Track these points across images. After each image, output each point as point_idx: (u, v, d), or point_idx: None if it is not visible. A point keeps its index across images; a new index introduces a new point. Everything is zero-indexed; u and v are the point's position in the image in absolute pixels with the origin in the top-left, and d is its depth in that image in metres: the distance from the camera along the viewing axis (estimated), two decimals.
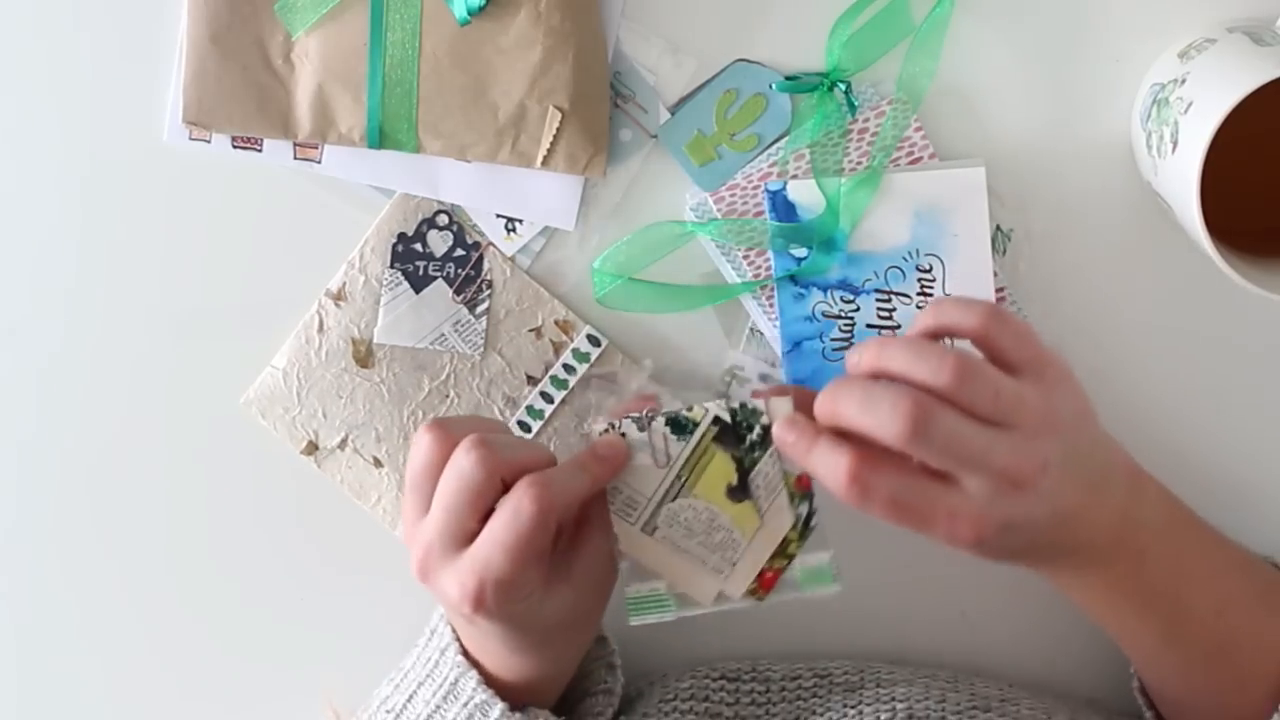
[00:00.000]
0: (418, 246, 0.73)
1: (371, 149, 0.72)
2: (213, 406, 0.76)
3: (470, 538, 0.62)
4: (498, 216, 0.74)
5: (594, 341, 0.74)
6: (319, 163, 0.74)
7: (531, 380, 0.75)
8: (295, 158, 0.74)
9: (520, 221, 0.74)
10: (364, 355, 0.74)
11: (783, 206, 0.73)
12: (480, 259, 0.73)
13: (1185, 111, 0.66)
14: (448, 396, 0.74)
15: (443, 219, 0.71)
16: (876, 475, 0.59)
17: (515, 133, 0.72)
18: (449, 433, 0.63)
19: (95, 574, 0.78)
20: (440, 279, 0.72)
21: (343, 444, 0.75)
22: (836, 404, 0.60)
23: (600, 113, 0.73)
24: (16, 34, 0.74)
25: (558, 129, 0.72)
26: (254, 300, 0.75)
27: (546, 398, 0.75)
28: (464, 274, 0.70)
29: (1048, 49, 0.73)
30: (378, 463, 0.75)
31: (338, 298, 0.72)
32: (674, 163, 0.74)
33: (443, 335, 0.73)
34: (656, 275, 0.74)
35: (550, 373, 0.75)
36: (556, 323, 0.74)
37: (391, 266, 0.73)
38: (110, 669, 0.79)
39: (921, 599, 0.77)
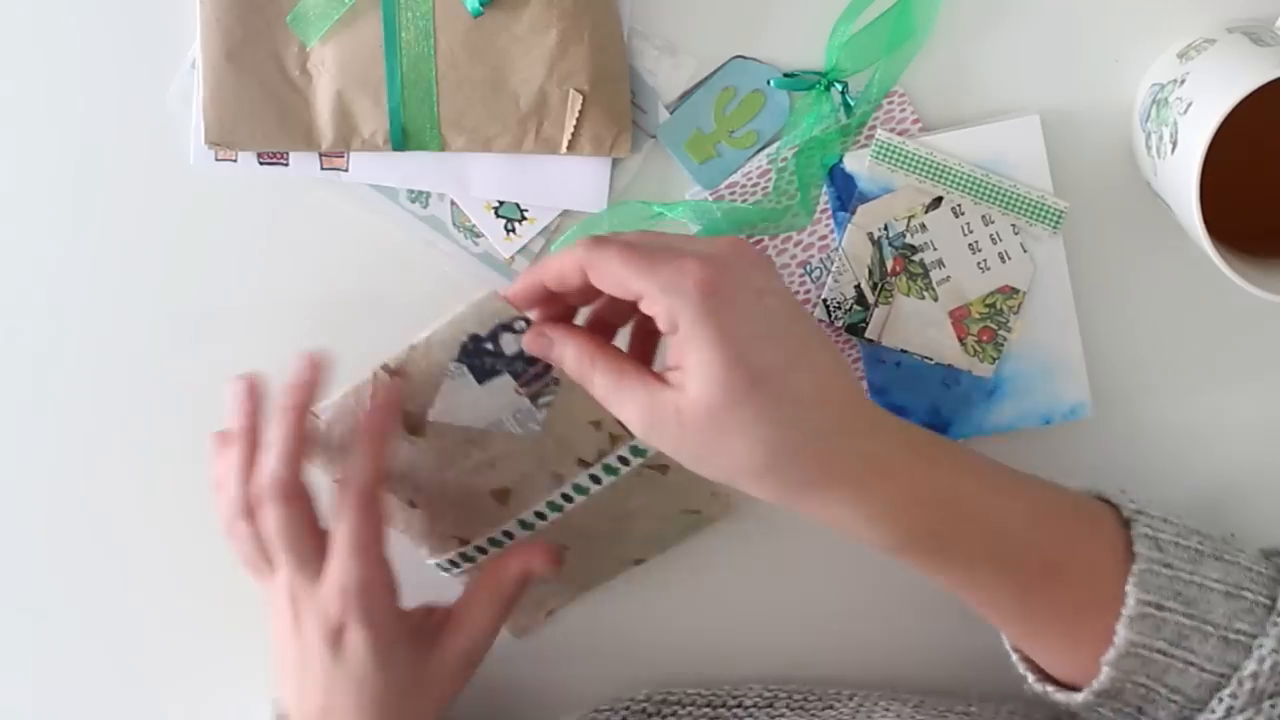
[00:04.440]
0: (489, 346, 0.67)
1: (396, 151, 0.72)
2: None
3: (318, 564, 0.67)
4: (498, 216, 0.74)
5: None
6: (346, 171, 0.73)
7: (583, 464, 0.72)
8: (322, 168, 0.73)
9: (520, 221, 0.74)
10: (415, 425, 0.70)
11: (841, 179, 0.73)
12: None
13: (1185, 112, 0.65)
14: (494, 466, 0.71)
15: (521, 325, 0.66)
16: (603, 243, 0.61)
17: (538, 120, 0.72)
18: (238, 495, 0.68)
19: (103, 582, 0.78)
20: (507, 373, 0.68)
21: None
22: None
23: (621, 91, 0.72)
24: (46, 64, 0.74)
25: (580, 112, 0.71)
26: (298, 313, 0.75)
27: (594, 480, 0.72)
28: (533, 371, 0.68)
29: (1047, 49, 0.73)
30: (412, 504, 0.73)
31: (395, 374, 0.68)
32: (674, 161, 0.74)
33: (500, 420, 0.70)
34: None
35: (604, 460, 0.72)
36: (619, 421, 0.65)
37: (457, 360, 0.68)
38: (120, 676, 0.79)
39: (824, 619, 0.78)
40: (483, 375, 0.68)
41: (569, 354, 0.64)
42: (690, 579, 0.78)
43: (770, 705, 0.74)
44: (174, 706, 0.79)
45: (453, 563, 0.75)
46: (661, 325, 0.60)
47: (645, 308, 0.60)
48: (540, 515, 0.74)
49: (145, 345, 0.76)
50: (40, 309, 0.76)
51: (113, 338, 0.76)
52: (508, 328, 0.66)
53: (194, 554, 0.77)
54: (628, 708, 0.74)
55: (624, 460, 0.72)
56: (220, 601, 0.78)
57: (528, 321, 0.66)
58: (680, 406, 0.59)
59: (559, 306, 0.66)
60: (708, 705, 0.74)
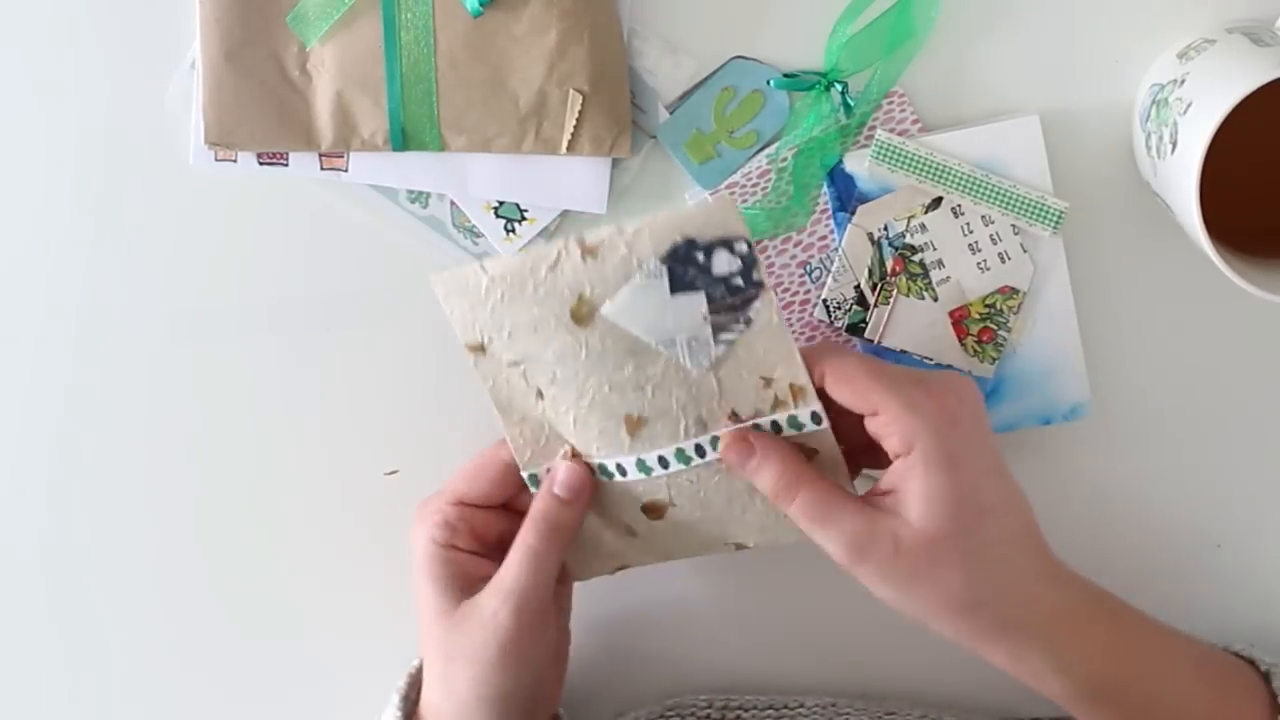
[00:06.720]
0: (700, 257, 0.61)
1: (396, 152, 0.72)
2: (264, 415, 0.76)
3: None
4: (497, 216, 0.74)
5: (815, 419, 0.64)
6: (346, 171, 0.73)
7: (734, 417, 0.64)
8: (322, 168, 0.73)
9: (519, 222, 0.74)
10: (584, 315, 0.63)
11: (840, 180, 0.73)
12: (753, 299, 0.62)
13: (1184, 112, 0.65)
14: (642, 389, 0.64)
15: (742, 246, 0.60)
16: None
17: (538, 120, 0.72)
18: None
19: (102, 583, 0.78)
20: (703, 293, 0.62)
21: (515, 364, 0.65)
22: None
23: (621, 91, 0.72)
24: (45, 65, 0.74)
25: (580, 112, 0.71)
26: (298, 313, 0.75)
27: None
28: (730, 301, 0.62)
29: (1047, 50, 0.73)
30: (540, 395, 0.66)
31: (588, 251, 0.61)
32: (674, 162, 0.74)
33: (673, 342, 0.63)
34: None
35: (755, 420, 0.64)
36: (791, 385, 0.63)
37: (661, 260, 0.61)
38: (114, 681, 0.79)
39: (886, 630, 0.76)
40: (678, 286, 0.61)
41: (770, 470, 0.62)
42: (753, 581, 0.77)
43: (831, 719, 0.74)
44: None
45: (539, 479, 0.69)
46: (892, 444, 0.59)
47: (879, 425, 0.59)
48: (663, 462, 0.66)
49: (145, 345, 0.76)
50: (40, 309, 0.76)
51: (112, 338, 0.76)
52: (727, 244, 0.60)
53: (194, 554, 0.77)
54: (692, 712, 0.74)
55: (777, 427, 0.64)
56: (215, 600, 0.78)
57: (750, 245, 0.60)
58: (898, 533, 0.58)
59: None
60: (770, 708, 0.74)
